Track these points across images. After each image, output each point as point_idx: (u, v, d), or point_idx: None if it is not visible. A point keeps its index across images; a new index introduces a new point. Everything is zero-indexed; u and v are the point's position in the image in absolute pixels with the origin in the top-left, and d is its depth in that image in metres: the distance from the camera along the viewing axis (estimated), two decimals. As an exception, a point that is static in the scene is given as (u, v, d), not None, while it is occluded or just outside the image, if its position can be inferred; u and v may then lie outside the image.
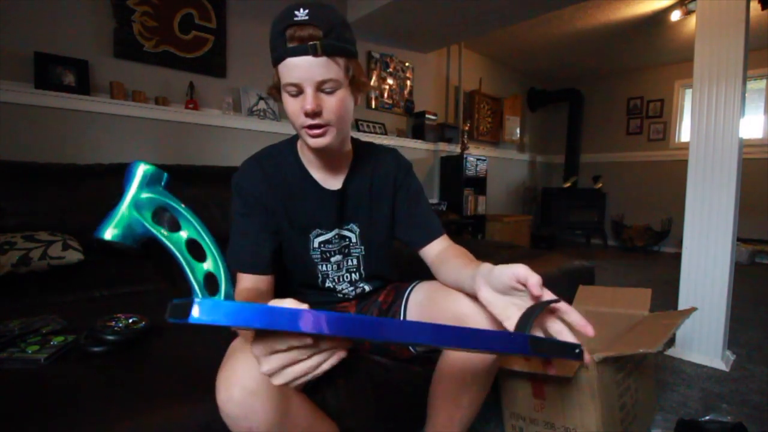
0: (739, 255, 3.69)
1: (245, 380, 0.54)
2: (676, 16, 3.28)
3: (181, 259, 0.44)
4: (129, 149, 2.13)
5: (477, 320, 0.70)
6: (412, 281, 0.88)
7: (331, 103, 0.68)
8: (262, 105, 2.64)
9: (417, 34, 3.27)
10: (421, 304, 0.80)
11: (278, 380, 0.40)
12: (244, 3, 2.56)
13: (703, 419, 1.08)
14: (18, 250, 1.29)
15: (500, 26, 3.14)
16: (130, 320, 0.83)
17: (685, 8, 3.17)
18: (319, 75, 0.64)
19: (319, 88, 0.66)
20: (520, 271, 0.53)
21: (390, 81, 3.50)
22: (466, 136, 3.77)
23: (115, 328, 0.79)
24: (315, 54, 0.62)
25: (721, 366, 1.59)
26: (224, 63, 2.49)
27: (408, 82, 3.65)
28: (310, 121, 0.67)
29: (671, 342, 1.73)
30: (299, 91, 0.66)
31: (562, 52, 4.32)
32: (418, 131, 3.69)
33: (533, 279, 0.52)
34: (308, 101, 0.65)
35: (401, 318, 0.82)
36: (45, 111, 1.90)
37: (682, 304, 1.71)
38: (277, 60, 0.66)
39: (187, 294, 0.40)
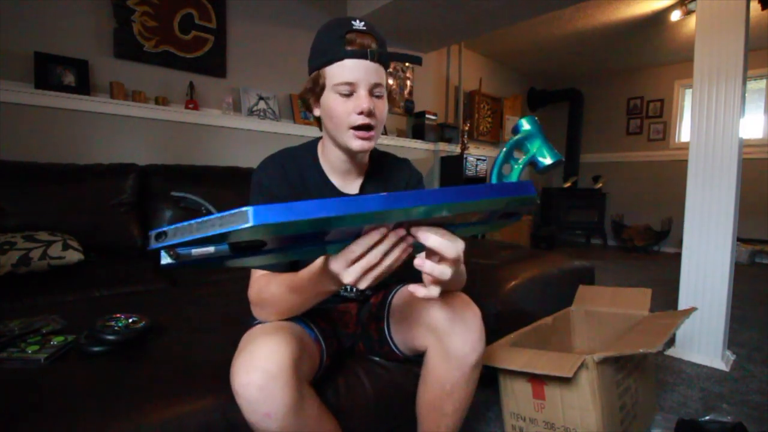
0: (739, 255, 3.69)
1: (266, 364, 0.55)
2: (676, 16, 3.28)
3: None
4: (129, 149, 2.14)
5: (445, 327, 0.70)
6: (397, 284, 0.88)
7: (380, 107, 0.73)
8: (262, 105, 2.64)
9: (417, 34, 3.27)
10: (400, 310, 0.80)
11: (364, 283, 0.49)
12: (244, 3, 2.56)
13: (703, 419, 1.08)
14: (18, 250, 1.29)
15: (500, 26, 3.14)
16: (130, 320, 0.83)
17: (685, 8, 3.18)
18: (374, 78, 0.70)
19: (371, 91, 0.71)
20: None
21: (390, 81, 3.50)
22: (466, 136, 3.77)
23: (115, 328, 0.79)
24: (372, 59, 0.69)
25: (721, 366, 1.59)
26: (224, 63, 2.49)
27: (408, 82, 3.65)
28: (362, 120, 0.70)
29: (671, 342, 1.73)
30: (351, 91, 0.70)
31: (562, 52, 4.32)
32: (418, 131, 3.69)
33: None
34: (364, 100, 0.69)
35: (385, 322, 0.83)
36: (45, 111, 1.90)
37: (682, 304, 1.71)
38: (331, 61, 0.69)
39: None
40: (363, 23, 0.70)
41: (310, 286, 0.61)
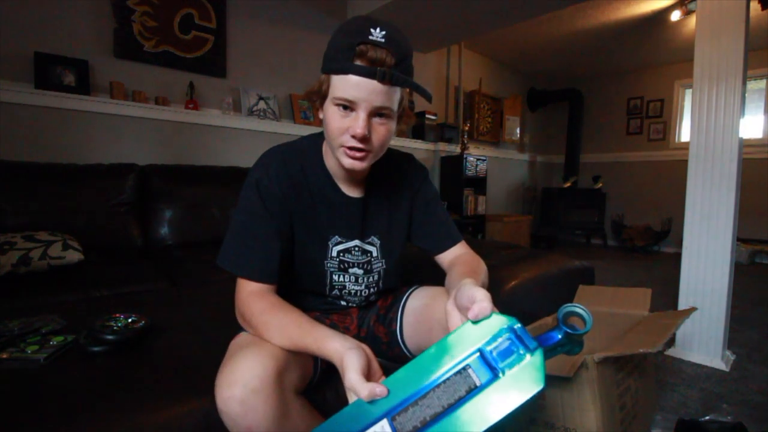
0: (739, 255, 3.69)
1: (248, 378, 0.54)
2: (676, 16, 3.27)
3: None
4: (129, 149, 2.14)
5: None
6: (410, 286, 0.87)
7: (380, 132, 0.67)
8: (262, 105, 2.64)
9: (417, 34, 3.26)
10: (417, 311, 0.79)
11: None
12: (244, 3, 2.56)
13: (703, 419, 1.08)
14: (18, 250, 1.29)
15: (500, 26, 3.14)
16: (130, 320, 0.83)
17: (685, 8, 3.17)
18: (378, 101, 0.63)
19: (373, 113, 0.64)
20: (476, 294, 0.52)
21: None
22: (466, 136, 3.77)
23: (115, 328, 0.79)
24: (381, 80, 0.61)
25: (721, 366, 1.59)
26: (224, 63, 2.49)
27: (408, 82, 3.65)
28: (353, 143, 0.65)
29: (671, 342, 1.73)
30: (351, 109, 0.64)
31: (562, 52, 4.31)
32: (418, 131, 3.69)
33: (479, 306, 0.50)
34: (360, 125, 0.63)
35: (397, 323, 0.81)
36: (45, 111, 1.90)
37: (682, 304, 1.71)
38: (336, 72, 0.63)
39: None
40: (384, 33, 0.61)
41: (312, 349, 0.59)
